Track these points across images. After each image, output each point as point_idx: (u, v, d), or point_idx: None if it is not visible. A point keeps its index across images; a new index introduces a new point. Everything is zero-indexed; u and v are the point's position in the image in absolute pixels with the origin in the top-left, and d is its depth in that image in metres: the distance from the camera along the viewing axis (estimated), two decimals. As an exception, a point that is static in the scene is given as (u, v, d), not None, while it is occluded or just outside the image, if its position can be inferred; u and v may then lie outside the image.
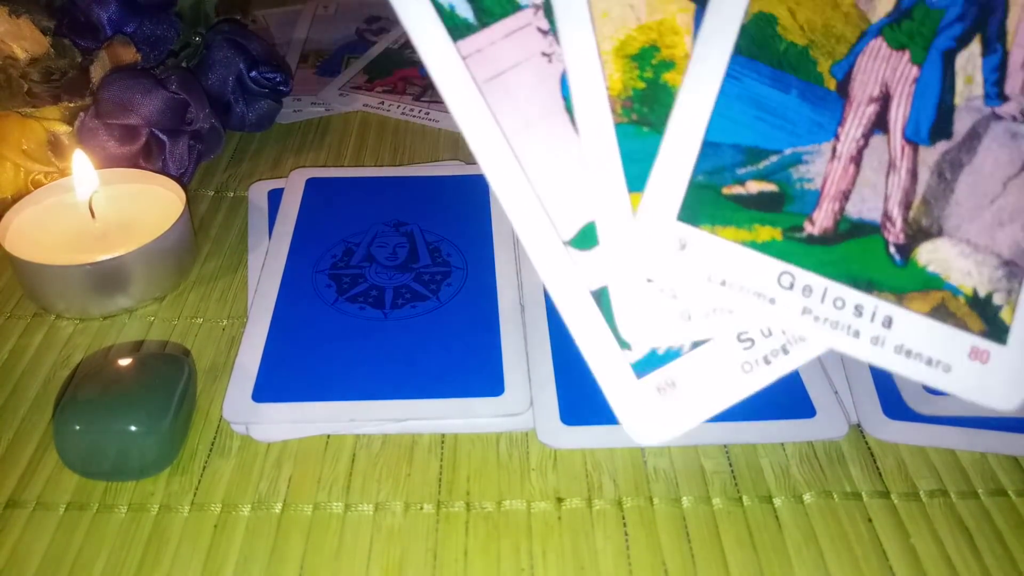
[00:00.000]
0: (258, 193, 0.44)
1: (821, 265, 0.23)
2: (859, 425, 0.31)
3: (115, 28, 0.44)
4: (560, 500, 0.29)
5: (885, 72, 0.24)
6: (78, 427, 0.28)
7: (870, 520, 0.28)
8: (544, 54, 0.24)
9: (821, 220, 0.24)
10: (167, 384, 0.30)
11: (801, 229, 0.24)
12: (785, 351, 0.24)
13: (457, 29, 0.24)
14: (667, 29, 0.24)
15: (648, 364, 0.25)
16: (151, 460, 0.29)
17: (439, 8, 0.24)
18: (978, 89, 0.24)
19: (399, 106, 0.52)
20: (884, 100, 0.24)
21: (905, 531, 0.28)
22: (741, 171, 0.23)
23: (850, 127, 0.24)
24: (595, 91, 0.24)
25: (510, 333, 0.34)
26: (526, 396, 0.31)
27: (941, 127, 0.24)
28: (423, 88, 0.54)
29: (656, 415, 0.25)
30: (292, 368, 0.33)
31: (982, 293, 0.24)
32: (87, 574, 0.26)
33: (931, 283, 0.24)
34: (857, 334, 0.23)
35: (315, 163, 0.47)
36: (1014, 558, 0.27)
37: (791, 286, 0.23)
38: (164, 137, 0.43)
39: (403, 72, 0.56)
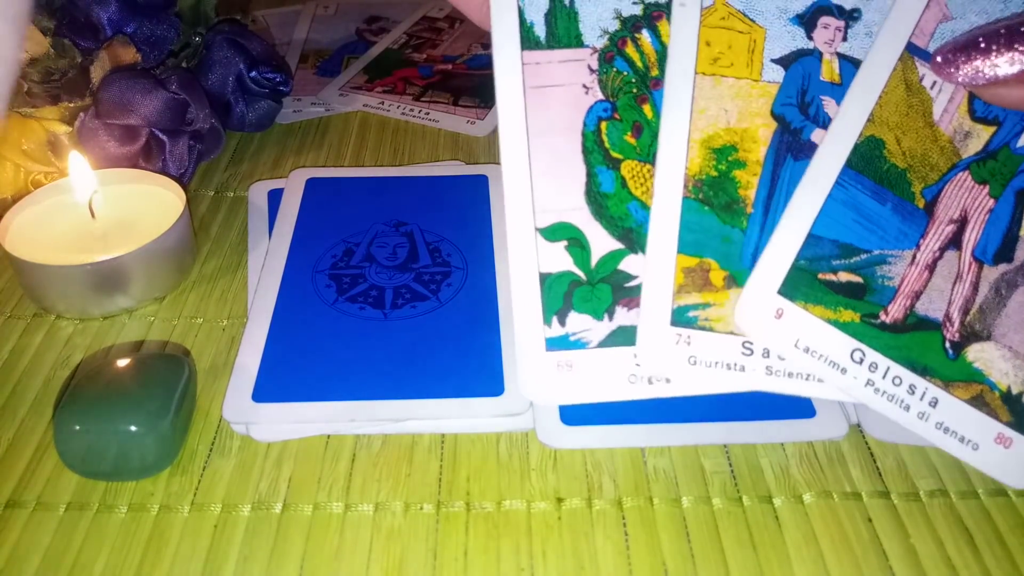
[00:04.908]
0: (258, 193, 0.44)
1: (887, 348, 0.28)
2: (859, 425, 0.31)
3: (115, 28, 0.44)
4: (560, 500, 0.29)
5: (966, 200, 0.28)
6: (78, 427, 0.28)
7: (870, 520, 0.28)
8: (584, 86, 0.29)
9: (894, 312, 0.28)
10: (167, 384, 0.30)
11: (877, 316, 0.28)
12: (668, 381, 0.28)
13: (528, 41, 0.29)
14: (748, 137, 0.29)
15: (558, 344, 0.29)
16: (151, 460, 0.29)
17: (522, 21, 0.29)
18: None
19: (399, 106, 0.52)
20: (962, 223, 0.28)
21: (905, 531, 0.28)
22: (836, 262, 0.28)
23: (930, 240, 0.28)
24: (676, 167, 0.28)
25: (510, 333, 0.34)
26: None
27: (1005, 252, 0.28)
28: (423, 88, 0.54)
29: (548, 382, 0.29)
30: (292, 368, 0.33)
31: (1015, 391, 0.27)
32: (87, 574, 0.26)
33: (974, 377, 0.28)
34: (908, 408, 0.27)
35: (315, 163, 0.47)
36: (1014, 558, 0.27)
37: (861, 361, 0.27)
38: (164, 137, 0.43)
39: (403, 72, 0.56)
